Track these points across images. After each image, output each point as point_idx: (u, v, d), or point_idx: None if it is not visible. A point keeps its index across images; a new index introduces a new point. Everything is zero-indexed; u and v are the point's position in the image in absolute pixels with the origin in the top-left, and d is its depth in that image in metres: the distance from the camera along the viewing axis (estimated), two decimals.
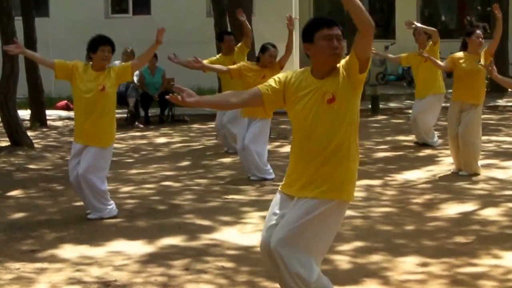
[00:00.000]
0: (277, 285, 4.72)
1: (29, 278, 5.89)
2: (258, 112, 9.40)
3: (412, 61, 12.00)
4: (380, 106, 17.19)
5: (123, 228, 7.38)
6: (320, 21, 4.51)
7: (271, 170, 9.59)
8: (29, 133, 13.28)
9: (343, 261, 6.12)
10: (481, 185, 9.05)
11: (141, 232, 7.19)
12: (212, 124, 13.34)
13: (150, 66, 16.14)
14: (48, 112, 16.46)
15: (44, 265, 6.20)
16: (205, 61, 10.41)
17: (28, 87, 15.84)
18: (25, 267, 6.14)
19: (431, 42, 11.47)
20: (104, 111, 7.57)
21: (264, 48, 9.52)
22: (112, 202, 7.84)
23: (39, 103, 15.91)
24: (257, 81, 8.20)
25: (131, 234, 7.11)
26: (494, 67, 8.83)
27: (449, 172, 9.84)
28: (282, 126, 14.09)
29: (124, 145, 13.02)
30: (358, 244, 6.61)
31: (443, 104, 12.03)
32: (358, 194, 8.55)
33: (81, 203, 7.91)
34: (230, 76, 9.97)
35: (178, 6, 20.98)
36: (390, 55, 13.45)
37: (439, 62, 10.06)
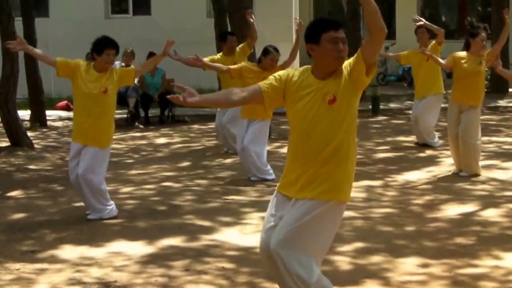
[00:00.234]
0: (277, 286, 4.70)
1: (29, 278, 5.88)
2: (257, 113, 9.40)
3: (412, 60, 11.97)
4: (381, 106, 17.17)
5: (123, 228, 7.37)
6: (327, 23, 4.48)
7: (271, 171, 9.58)
8: (29, 134, 13.28)
9: (343, 262, 6.12)
10: (481, 186, 9.04)
11: (141, 232, 7.19)
12: (212, 125, 13.33)
13: None
14: (48, 112, 16.45)
15: (44, 265, 6.19)
16: (206, 59, 10.41)
17: (28, 88, 15.84)
18: (25, 268, 6.13)
19: (433, 42, 11.45)
20: (104, 112, 7.57)
21: (266, 51, 9.48)
22: (112, 202, 7.84)
23: (39, 104, 15.90)
24: (257, 83, 8.18)
25: (131, 234, 7.10)
26: (500, 61, 8.83)
27: (449, 173, 9.83)
28: (283, 127, 14.07)
29: (124, 146, 13.01)
30: (358, 245, 6.60)
31: (443, 105, 12.02)
32: (359, 194, 8.56)
33: (81, 204, 7.90)
34: (230, 76, 9.96)
35: (178, 6, 20.97)
36: (390, 53, 13.41)
37: (440, 60, 10.04)
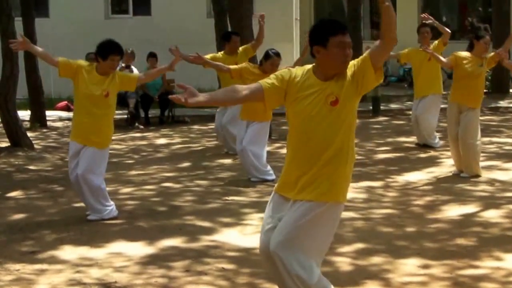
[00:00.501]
0: (277, 287, 4.69)
1: (29, 279, 5.87)
2: (256, 115, 9.42)
3: (413, 58, 11.93)
4: (381, 107, 17.16)
5: (123, 229, 7.36)
6: (336, 26, 4.44)
7: (271, 171, 9.56)
8: (29, 134, 13.26)
9: (344, 263, 6.11)
10: (482, 187, 9.03)
11: (141, 233, 7.17)
12: (212, 125, 13.32)
13: (150, 67, 16.09)
14: (48, 113, 16.44)
15: (44, 266, 6.18)
16: (207, 56, 10.42)
17: (28, 88, 15.82)
18: (25, 268, 6.12)
19: (438, 41, 11.44)
20: (104, 114, 7.58)
21: (267, 55, 9.45)
22: (112, 203, 7.83)
23: (39, 104, 15.89)
24: None
25: (131, 235, 7.09)
26: (507, 54, 8.88)
27: (450, 174, 9.82)
28: (283, 127, 14.06)
29: (124, 146, 12.99)
30: (359, 245, 6.59)
31: (443, 105, 12.01)
32: (359, 195, 8.55)
33: (81, 204, 7.90)
34: (230, 76, 9.95)
35: (178, 6, 20.97)
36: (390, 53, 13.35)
37: (441, 58, 10.02)
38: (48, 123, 16.09)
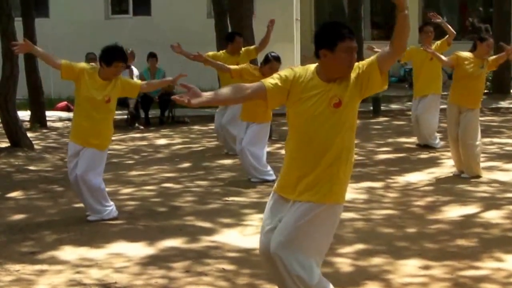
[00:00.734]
0: None
1: (29, 280, 5.86)
2: (256, 117, 9.44)
3: (414, 57, 11.89)
4: (382, 107, 17.16)
5: (123, 230, 7.35)
6: (345, 31, 4.41)
7: (271, 172, 9.55)
8: (29, 134, 13.25)
9: (344, 264, 6.10)
10: (483, 188, 9.02)
11: (141, 234, 7.16)
12: (212, 126, 13.30)
13: (150, 67, 16.12)
14: (48, 113, 16.44)
15: (44, 267, 6.17)
16: (209, 53, 10.42)
17: (28, 88, 15.81)
18: (25, 269, 6.11)
19: (442, 40, 11.42)
20: (104, 118, 7.58)
21: (267, 59, 9.45)
22: (111, 203, 7.82)
23: (39, 104, 15.89)
24: None
25: (132, 236, 7.08)
26: None
27: (451, 174, 9.81)
28: (284, 128, 14.05)
29: (124, 147, 12.98)
30: (359, 246, 6.58)
31: (442, 106, 11.99)
32: (360, 196, 8.54)
33: (81, 205, 7.89)
34: (230, 76, 9.95)
35: (178, 7, 20.96)
36: None
37: (443, 57, 9.99)
38: (48, 123, 16.09)
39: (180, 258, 6.33)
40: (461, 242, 6.68)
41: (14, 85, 12.74)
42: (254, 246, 6.29)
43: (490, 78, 18.78)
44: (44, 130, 15.45)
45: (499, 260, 6.15)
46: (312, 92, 4.44)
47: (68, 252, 6.58)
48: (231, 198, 8.65)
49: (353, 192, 8.57)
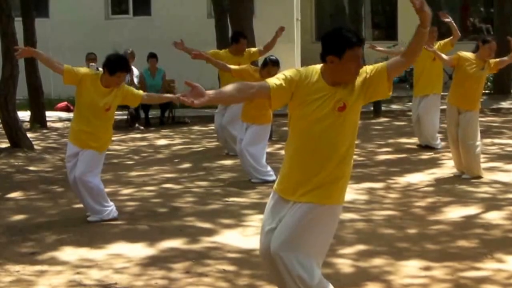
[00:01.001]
0: None
1: (29, 280, 5.85)
2: (256, 118, 9.44)
3: None
4: (382, 108, 17.14)
5: (123, 230, 7.34)
6: (354, 39, 4.35)
7: (271, 172, 9.54)
8: (29, 135, 13.25)
9: (345, 265, 6.08)
10: (484, 188, 9.01)
11: (141, 234, 7.15)
12: (213, 126, 13.29)
13: (150, 67, 16.12)
14: (48, 113, 16.43)
15: (44, 267, 6.17)
16: (211, 51, 10.43)
17: (28, 89, 15.81)
18: (25, 270, 6.10)
19: (447, 40, 11.41)
20: (103, 124, 7.59)
21: (265, 63, 9.46)
22: (111, 203, 7.81)
23: (39, 105, 15.88)
24: None
25: (132, 236, 7.07)
26: None
27: (451, 175, 9.80)
28: (284, 128, 14.04)
29: (124, 147, 12.97)
30: (360, 247, 6.57)
31: (441, 106, 11.98)
32: (360, 197, 8.53)
33: (81, 206, 7.88)
34: (231, 75, 9.95)
35: (178, 7, 20.94)
36: (392, 49, 13.32)
37: (444, 56, 9.97)
38: (48, 123, 16.08)
39: (180, 259, 6.32)
40: (462, 243, 6.66)
41: (14, 86, 12.74)
42: (255, 246, 6.28)
43: (491, 78, 18.77)
44: (44, 131, 15.44)
45: (500, 261, 6.14)
46: (317, 95, 4.39)
47: (68, 253, 6.57)
48: (231, 199, 8.64)
49: (353, 192, 8.56)
